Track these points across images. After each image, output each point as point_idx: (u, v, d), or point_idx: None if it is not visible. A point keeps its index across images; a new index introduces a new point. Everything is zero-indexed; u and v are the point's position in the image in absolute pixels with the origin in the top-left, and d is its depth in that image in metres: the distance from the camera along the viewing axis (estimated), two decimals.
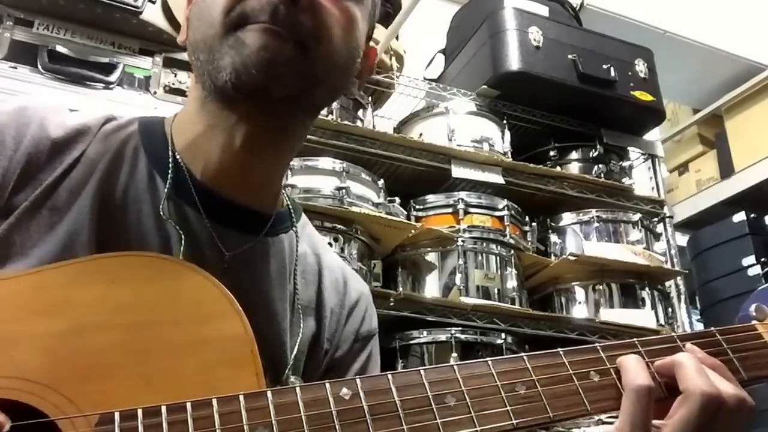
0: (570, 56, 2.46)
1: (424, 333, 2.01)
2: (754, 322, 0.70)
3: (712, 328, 0.68)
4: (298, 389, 0.55)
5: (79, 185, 0.70)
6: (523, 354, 0.62)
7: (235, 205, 0.75)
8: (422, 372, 0.58)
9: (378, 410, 0.55)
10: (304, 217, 0.87)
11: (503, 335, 2.05)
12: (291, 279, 0.80)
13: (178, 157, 0.74)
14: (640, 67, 2.60)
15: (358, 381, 0.57)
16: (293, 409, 0.54)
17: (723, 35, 3.37)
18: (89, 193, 0.70)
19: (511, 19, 2.44)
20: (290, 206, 0.84)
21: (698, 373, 0.60)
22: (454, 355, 1.94)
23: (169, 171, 0.73)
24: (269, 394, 0.54)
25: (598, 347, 0.63)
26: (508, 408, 0.57)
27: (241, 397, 0.54)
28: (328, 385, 0.56)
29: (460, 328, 2.00)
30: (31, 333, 0.57)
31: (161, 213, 0.71)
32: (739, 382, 0.63)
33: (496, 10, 2.48)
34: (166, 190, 0.72)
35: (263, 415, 0.53)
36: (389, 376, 0.57)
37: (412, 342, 2.01)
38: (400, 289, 2.06)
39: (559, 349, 0.63)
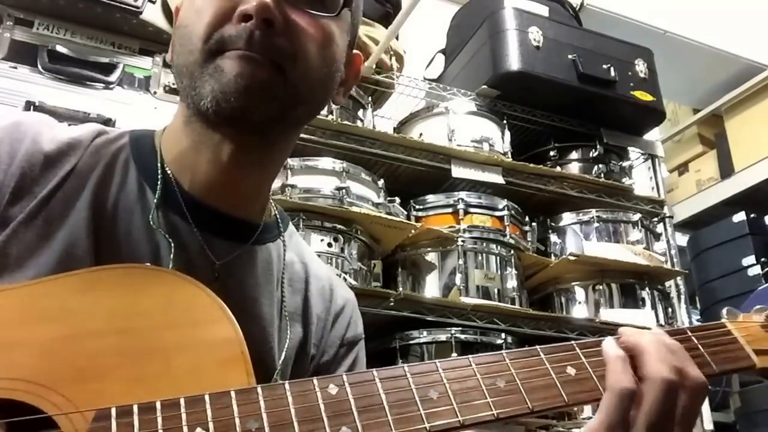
0: (570, 56, 2.46)
1: (424, 333, 2.01)
2: (723, 320, 0.74)
3: (685, 326, 0.72)
4: (287, 384, 0.57)
5: (73, 197, 0.72)
6: (503, 351, 0.64)
7: (222, 214, 0.77)
8: (406, 368, 0.60)
9: (364, 403, 0.57)
10: (291, 226, 0.89)
11: (503, 335, 2.05)
12: (278, 287, 0.82)
13: (167, 169, 0.76)
14: (640, 67, 2.60)
15: (344, 376, 0.59)
16: (282, 403, 0.56)
17: (723, 35, 3.37)
18: (83, 205, 0.72)
19: (511, 19, 2.44)
20: (278, 216, 0.86)
21: (659, 360, 0.62)
22: (454, 355, 1.94)
23: (158, 182, 0.75)
24: (259, 389, 0.56)
25: (575, 344, 0.66)
26: (489, 400, 0.60)
27: (233, 393, 0.56)
28: (315, 381, 0.58)
29: (460, 328, 2.00)
30: (31, 338, 0.59)
31: (150, 222, 0.73)
32: (710, 376, 0.66)
33: (496, 10, 2.48)
34: (155, 200, 0.74)
35: (253, 408, 0.55)
36: (374, 372, 0.59)
37: (412, 342, 2.01)
38: (400, 289, 2.06)
39: (537, 347, 0.65)
